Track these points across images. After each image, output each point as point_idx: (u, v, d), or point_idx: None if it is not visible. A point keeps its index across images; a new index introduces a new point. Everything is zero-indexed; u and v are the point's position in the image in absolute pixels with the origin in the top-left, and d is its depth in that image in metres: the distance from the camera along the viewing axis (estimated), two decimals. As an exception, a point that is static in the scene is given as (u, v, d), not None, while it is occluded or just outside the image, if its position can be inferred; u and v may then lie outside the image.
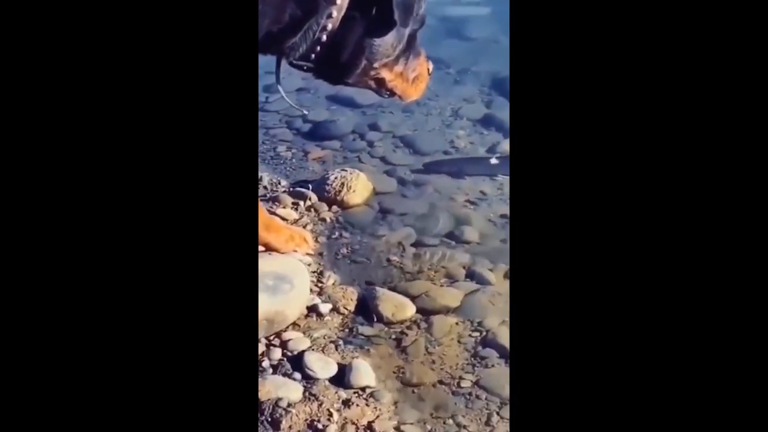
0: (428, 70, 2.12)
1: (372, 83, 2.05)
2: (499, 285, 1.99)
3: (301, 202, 2.32)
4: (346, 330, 1.84)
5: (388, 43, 1.96)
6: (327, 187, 2.35)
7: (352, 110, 2.94)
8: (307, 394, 1.61)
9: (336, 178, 2.37)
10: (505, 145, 2.67)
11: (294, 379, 1.65)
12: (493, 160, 2.57)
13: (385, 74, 2.02)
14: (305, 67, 1.97)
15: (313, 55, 1.94)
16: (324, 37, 1.89)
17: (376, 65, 1.98)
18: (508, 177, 2.47)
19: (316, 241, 2.16)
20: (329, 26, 1.91)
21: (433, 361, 1.76)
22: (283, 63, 1.93)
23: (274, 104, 3.00)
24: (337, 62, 1.97)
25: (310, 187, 2.38)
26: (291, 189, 2.40)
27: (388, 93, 2.09)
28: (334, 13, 1.89)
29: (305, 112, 2.34)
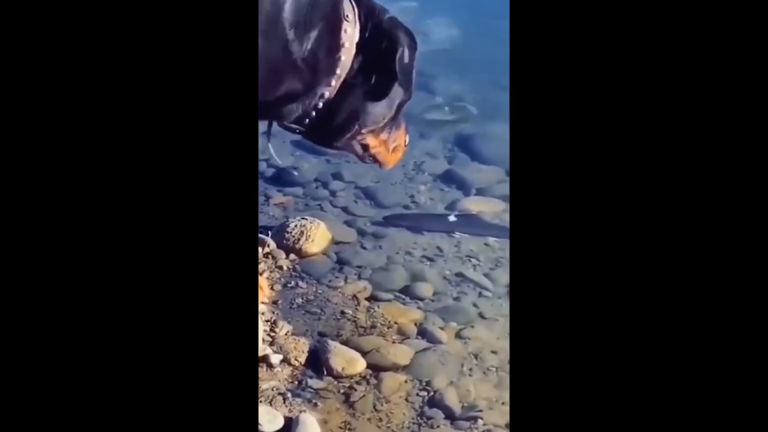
0: (405, 141, 2.21)
1: (358, 148, 2.13)
2: (450, 344, 2.02)
3: (260, 248, 2.34)
4: (296, 382, 1.85)
5: (379, 111, 2.04)
6: (286, 235, 2.37)
7: (317, 157, 2.97)
8: (251, 447, 1.61)
9: (296, 226, 2.39)
10: (465, 203, 2.72)
11: (239, 431, 1.65)
12: (452, 218, 2.62)
13: (370, 140, 2.09)
14: (297, 131, 2.03)
15: (307, 120, 2.00)
16: (320, 104, 1.95)
17: (364, 131, 2.05)
18: (466, 235, 2.52)
19: (272, 288, 2.17)
20: (327, 94, 1.97)
21: (380, 419, 1.77)
22: (275, 124, 1.98)
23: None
24: (329, 127, 2.02)
25: (269, 233, 2.40)
26: (250, 234, 2.41)
27: (370, 159, 2.17)
28: (333, 82, 1.95)
29: (295, 173, 2.37)
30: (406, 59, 1.96)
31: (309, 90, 1.93)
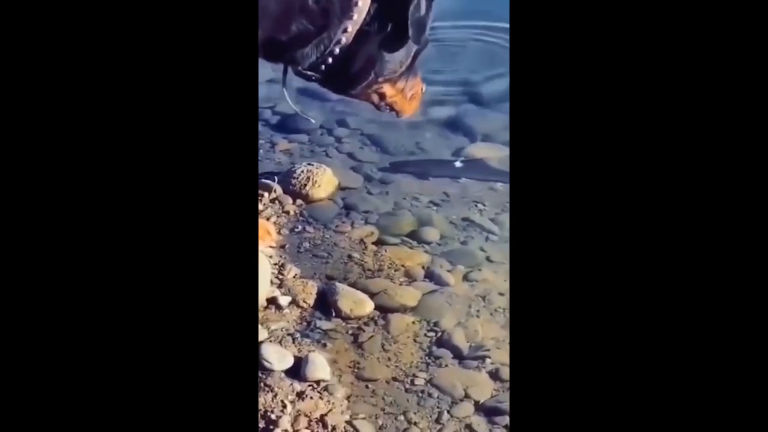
0: (422, 89, 2.20)
1: (374, 97, 2.13)
2: (457, 286, 2.03)
3: (266, 194, 2.34)
4: (304, 323, 1.87)
5: (397, 59, 2.03)
6: (293, 180, 2.37)
7: (321, 104, 2.95)
8: (261, 384, 1.63)
9: (302, 171, 2.39)
10: (471, 149, 2.71)
11: (250, 370, 1.67)
12: (458, 163, 2.61)
13: (387, 89, 2.10)
14: (313, 77, 2.02)
15: (323, 66, 1.99)
16: (336, 50, 1.94)
17: (380, 80, 2.04)
18: (471, 180, 2.52)
19: (279, 233, 2.18)
20: (343, 40, 1.96)
21: (389, 358, 1.79)
22: (290, 70, 1.97)
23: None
24: (345, 74, 2.02)
25: (276, 179, 2.40)
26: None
27: (387, 107, 2.17)
28: (349, 28, 1.94)
29: (312, 120, 2.36)
30: (422, 11, 1.94)
31: (322, 33, 1.91)
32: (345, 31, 1.94)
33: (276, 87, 3.05)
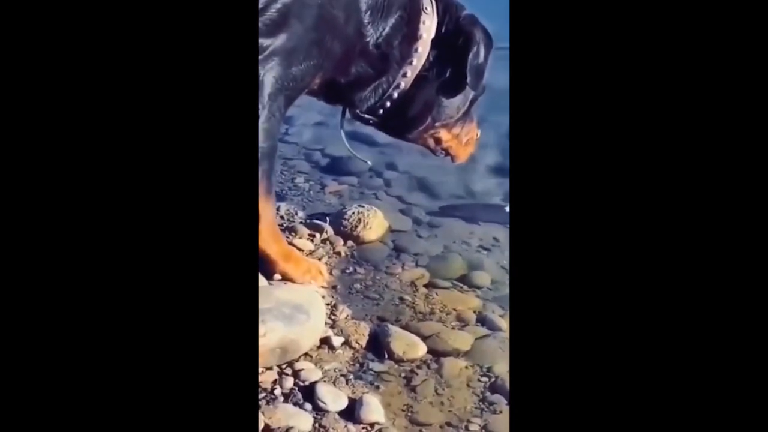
0: (477, 135, 2.22)
1: (430, 141, 2.16)
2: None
3: (318, 234, 2.35)
4: (357, 365, 1.86)
5: (454, 104, 2.07)
6: (344, 222, 2.38)
7: (370, 148, 2.98)
8: (317, 425, 1.62)
9: (353, 213, 2.40)
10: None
11: (305, 410, 1.66)
12: (507, 208, 2.61)
13: (443, 134, 2.13)
14: (370, 121, 2.06)
15: (381, 110, 2.02)
16: (395, 95, 1.98)
17: (437, 125, 2.08)
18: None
19: (330, 274, 2.18)
20: (402, 85, 2.00)
21: (442, 403, 1.77)
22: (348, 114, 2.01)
23: (293, 136, 3.05)
24: (403, 118, 2.06)
25: (328, 220, 2.41)
26: (308, 220, 2.43)
27: (443, 152, 2.20)
28: (409, 73, 1.98)
29: (369, 163, 2.39)
30: (481, 58, 1.98)
31: (381, 77, 1.95)
32: (404, 76, 1.97)
33: (324, 130, 3.13)
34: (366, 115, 2.06)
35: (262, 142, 1.80)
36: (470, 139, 2.22)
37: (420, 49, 1.98)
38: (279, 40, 1.73)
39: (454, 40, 1.99)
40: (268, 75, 1.75)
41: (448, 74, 2.02)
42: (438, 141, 2.19)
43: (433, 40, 1.98)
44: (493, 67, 2.02)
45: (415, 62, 1.97)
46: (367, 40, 1.88)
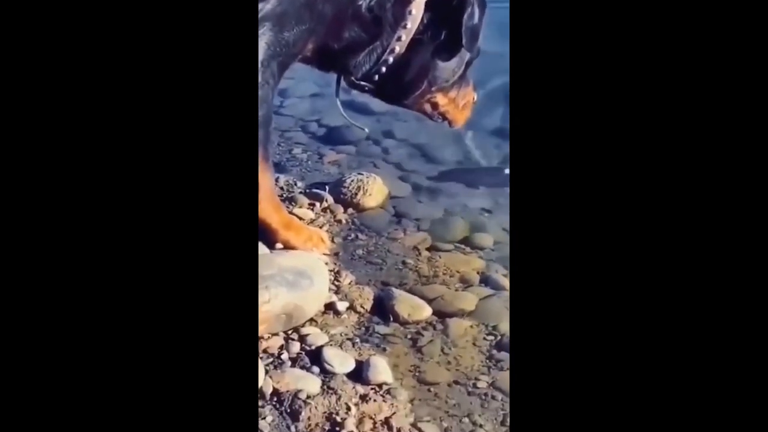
0: (474, 98, 2.20)
1: (427, 106, 2.13)
2: (514, 291, 2.01)
3: (318, 203, 2.34)
4: (363, 329, 1.86)
5: (450, 68, 2.04)
6: (343, 190, 2.37)
7: (366, 117, 2.96)
8: (325, 387, 1.63)
9: (352, 180, 2.39)
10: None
11: (312, 373, 1.66)
12: (507, 171, 2.60)
13: (439, 99, 2.11)
14: (366, 88, 2.03)
15: (376, 77, 1.99)
16: (390, 59, 1.95)
17: (434, 89, 2.05)
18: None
19: (332, 241, 2.18)
20: (397, 49, 1.96)
21: (449, 362, 1.78)
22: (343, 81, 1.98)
23: (288, 108, 3.04)
24: (399, 84, 2.03)
25: (327, 188, 2.40)
26: (307, 190, 2.42)
27: (440, 117, 2.17)
28: (403, 37, 1.94)
29: (366, 130, 2.37)
30: (476, 19, 1.95)
31: (375, 41, 1.92)
32: (399, 39, 1.95)
33: (320, 101, 3.11)
34: (361, 82, 2.04)
35: None
36: (467, 103, 2.19)
37: (414, 12, 1.95)
38: (269, 5, 1.71)
39: (448, 1, 1.97)
40: (260, 41, 1.74)
41: (443, 36, 1.99)
42: (435, 106, 2.16)
43: (426, 2, 1.95)
44: (489, 30, 2.01)
45: (409, 25, 1.94)
46: (360, 3, 1.85)
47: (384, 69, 2.01)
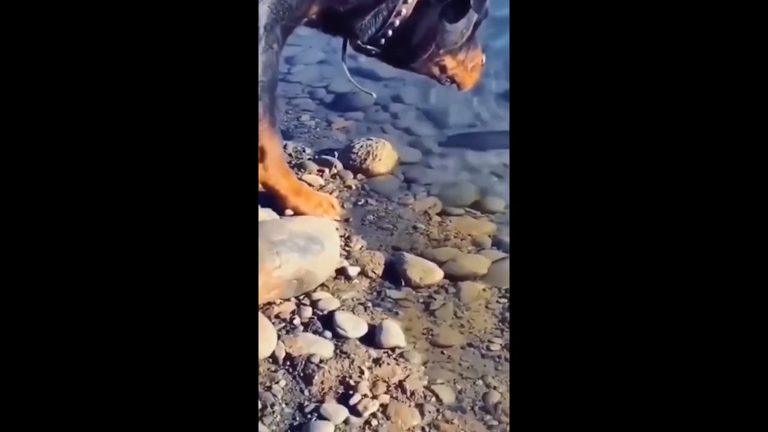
0: (482, 61, 2.16)
1: (435, 70, 2.10)
2: (526, 253, 2.00)
3: (327, 170, 2.33)
4: (375, 293, 1.85)
5: (458, 29, 2.00)
6: (352, 155, 2.36)
7: (374, 83, 2.93)
8: (338, 351, 1.62)
9: (362, 146, 2.37)
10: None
11: (324, 337, 1.66)
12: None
13: (447, 61, 2.07)
14: (373, 52, 1.99)
15: (383, 40, 1.95)
16: (396, 22, 1.91)
17: (442, 51, 2.01)
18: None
19: (342, 207, 2.16)
20: (403, 11, 1.92)
21: (462, 325, 1.77)
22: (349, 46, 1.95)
23: (296, 75, 3.01)
24: (406, 47, 1.99)
25: (336, 155, 2.38)
26: (316, 157, 2.41)
27: (448, 80, 2.13)
28: None
29: (374, 95, 2.34)
30: None
31: (381, 3, 1.89)
32: (405, 1, 1.91)
33: (327, 67, 3.08)
34: (368, 46, 2.00)
35: (261, 75, 1.76)
36: (475, 65, 2.16)
37: None
38: None
39: None
40: (262, 5, 1.71)
41: None
42: (443, 69, 2.13)
43: None
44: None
45: None
46: None
47: (390, 32, 1.97)
